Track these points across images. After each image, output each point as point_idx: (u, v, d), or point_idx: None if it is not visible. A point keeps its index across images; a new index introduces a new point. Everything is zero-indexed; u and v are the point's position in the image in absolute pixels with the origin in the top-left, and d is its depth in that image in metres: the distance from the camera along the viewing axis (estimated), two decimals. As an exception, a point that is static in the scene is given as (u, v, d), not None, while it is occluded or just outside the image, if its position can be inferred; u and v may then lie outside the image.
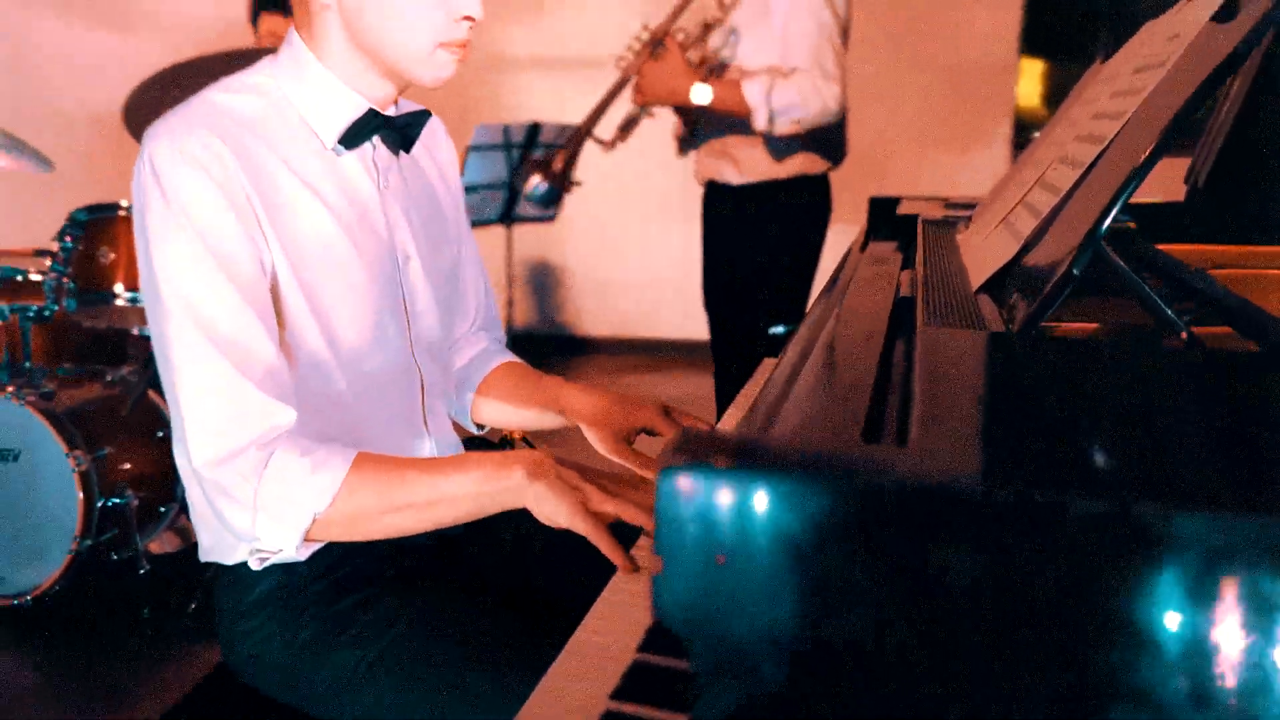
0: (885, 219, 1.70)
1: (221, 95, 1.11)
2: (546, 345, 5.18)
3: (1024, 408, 0.55)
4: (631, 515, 0.97)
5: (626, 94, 2.35)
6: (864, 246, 1.63)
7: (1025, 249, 0.89)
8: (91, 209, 2.40)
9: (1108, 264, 0.73)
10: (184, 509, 2.54)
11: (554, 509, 0.98)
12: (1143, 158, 0.67)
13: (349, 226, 1.14)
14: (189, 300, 1.03)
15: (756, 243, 2.35)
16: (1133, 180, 0.68)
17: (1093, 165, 0.86)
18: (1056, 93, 5.89)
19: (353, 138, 1.14)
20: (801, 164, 2.33)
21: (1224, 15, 0.78)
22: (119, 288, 2.36)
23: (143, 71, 4.88)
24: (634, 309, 5.13)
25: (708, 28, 2.34)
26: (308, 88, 1.13)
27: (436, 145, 1.33)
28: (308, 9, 1.12)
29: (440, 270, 1.27)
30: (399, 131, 1.18)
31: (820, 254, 2.43)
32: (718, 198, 2.43)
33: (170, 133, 1.05)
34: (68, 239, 2.40)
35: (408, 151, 1.22)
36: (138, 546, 2.40)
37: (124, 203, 2.38)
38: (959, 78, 4.75)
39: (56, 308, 2.42)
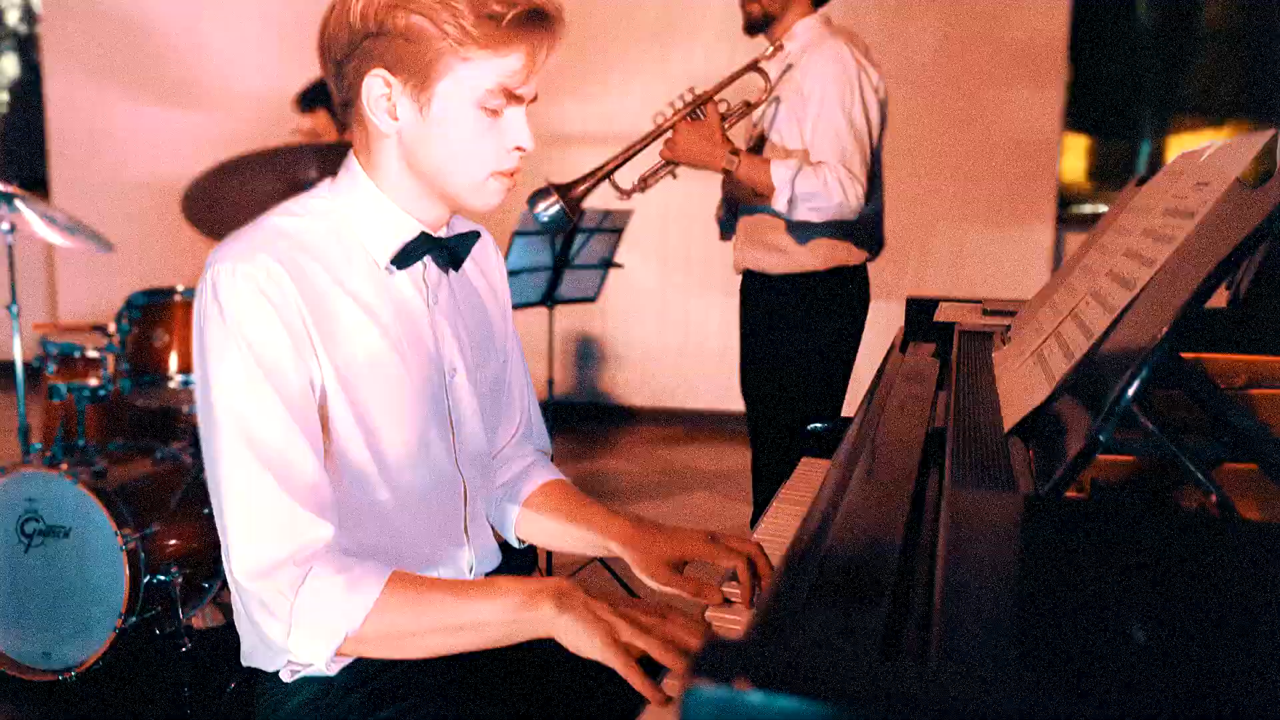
0: (923, 319, 1.71)
1: (283, 219, 1.17)
2: (586, 414, 5.21)
3: (1053, 602, 0.56)
4: (660, 653, 0.97)
5: (655, 148, 2.38)
6: (903, 346, 1.64)
7: (1057, 392, 0.90)
8: (149, 293, 2.48)
9: (1140, 425, 0.74)
10: (226, 584, 2.58)
11: (583, 642, 0.99)
12: (1160, 335, 0.68)
13: (398, 342, 1.18)
14: (239, 415, 1.08)
15: (794, 333, 2.36)
16: (1156, 353, 0.69)
17: (1125, 310, 0.87)
18: (1100, 169, 5.90)
19: (404, 259, 1.19)
20: (839, 255, 2.36)
21: (1254, 178, 0.79)
22: (172, 370, 2.43)
23: (203, 147, 5.05)
24: (673, 379, 5.15)
25: (749, 106, 2.38)
26: (364, 211, 1.18)
27: (485, 257, 1.38)
28: (368, 136, 1.17)
29: (486, 381, 1.31)
30: (449, 251, 1.23)
31: (858, 344, 2.44)
32: (755, 287, 2.46)
33: (233, 256, 1.11)
34: (125, 321, 2.48)
35: (456, 270, 1.26)
36: (180, 623, 2.43)
37: (180, 287, 2.45)
38: (1002, 154, 4.77)
39: (112, 387, 2.49)
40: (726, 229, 2.53)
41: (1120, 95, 5.74)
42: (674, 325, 5.11)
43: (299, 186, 2.44)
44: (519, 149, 1.16)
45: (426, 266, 1.23)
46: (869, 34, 2.47)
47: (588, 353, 5.28)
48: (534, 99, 1.17)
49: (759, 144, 2.41)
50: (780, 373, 2.39)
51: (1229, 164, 0.86)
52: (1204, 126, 5.89)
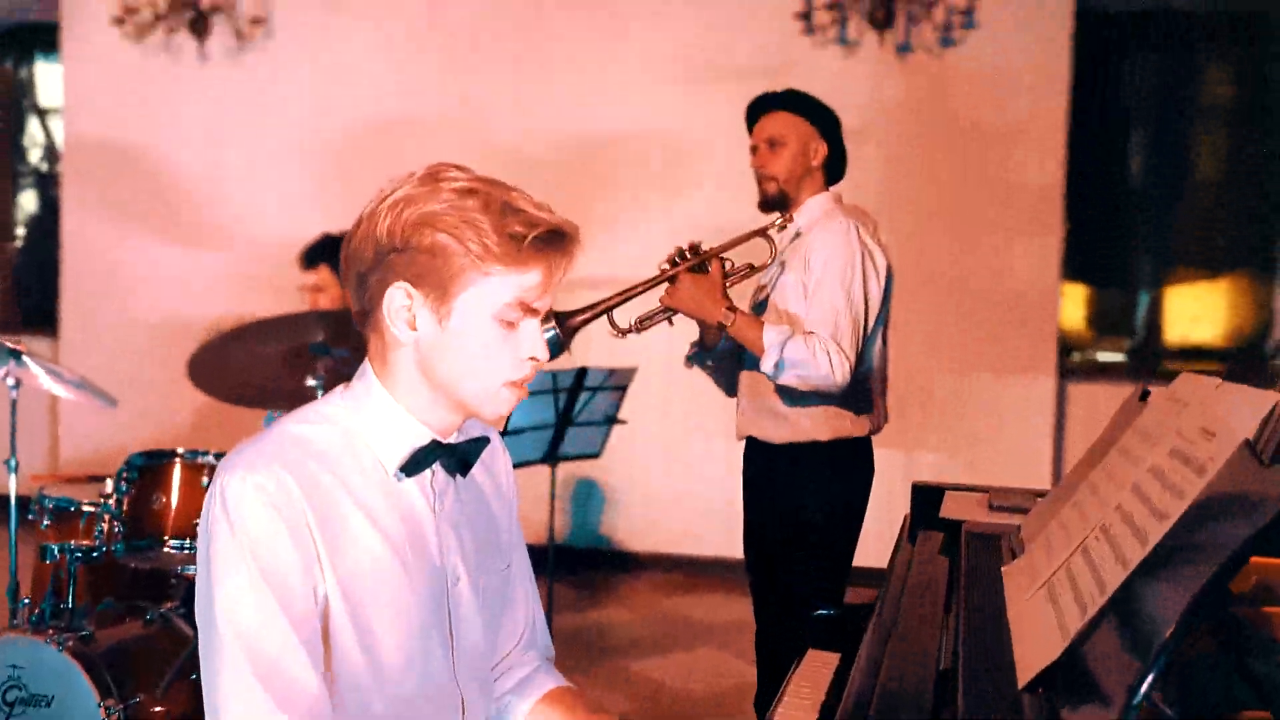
0: (930, 510, 1.68)
1: (296, 426, 1.19)
2: (587, 560, 5.13)
3: None
4: None
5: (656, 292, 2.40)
6: (912, 535, 1.62)
7: (1072, 646, 0.87)
8: (149, 455, 2.47)
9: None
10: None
11: None
12: (1172, 632, 0.66)
13: (401, 549, 1.18)
14: (241, 630, 1.09)
15: (796, 504, 2.35)
16: (1169, 646, 0.67)
17: (1141, 562, 0.85)
18: (1099, 318, 5.96)
19: (414, 466, 1.20)
20: (843, 426, 2.35)
21: (1260, 447, 0.78)
22: (167, 534, 2.39)
23: (217, 288, 5.11)
24: (676, 526, 5.09)
25: (752, 269, 2.42)
26: (376, 418, 1.20)
27: (494, 459, 1.38)
28: (385, 344, 1.19)
29: (490, 589, 1.30)
30: (458, 457, 1.23)
31: (863, 518, 2.41)
32: (757, 454, 2.45)
33: (244, 466, 1.13)
34: (123, 481, 2.46)
35: (464, 475, 1.26)
36: (161, 799, 2.34)
37: (180, 450, 2.44)
38: (1002, 304, 4.82)
39: (106, 549, 2.46)
40: (695, 360, 2.53)
41: (1117, 245, 5.84)
42: (676, 470, 5.07)
43: (305, 352, 2.46)
44: (533, 359, 1.18)
45: (435, 472, 1.23)
46: (867, 189, 2.52)
47: (589, 497, 5.24)
48: (549, 310, 1.20)
49: (761, 306, 2.44)
50: (784, 544, 2.36)
51: (1236, 420, 0.86)
52: (1201, 278, 5.97)
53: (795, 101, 2.43)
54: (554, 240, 1.15)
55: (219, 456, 2.39)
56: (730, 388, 2.55)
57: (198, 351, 2.46)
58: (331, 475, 1.15)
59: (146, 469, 2.44)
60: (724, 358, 2.48)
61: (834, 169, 2.45)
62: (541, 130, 4.94)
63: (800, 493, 2.34)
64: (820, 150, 2.41)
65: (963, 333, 4.82)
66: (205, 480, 2.38)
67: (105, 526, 2.45)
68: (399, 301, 1.15)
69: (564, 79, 4.93)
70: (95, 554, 2.48)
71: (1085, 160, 5.13)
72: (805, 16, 4.67)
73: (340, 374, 2.54)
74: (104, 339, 5.24)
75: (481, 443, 1.26)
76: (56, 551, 2.48)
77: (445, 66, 5.01)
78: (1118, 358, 6.00)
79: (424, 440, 1.20)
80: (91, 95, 5.26)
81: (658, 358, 4.28)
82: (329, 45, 5.06)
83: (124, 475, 2.46)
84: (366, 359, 1.23)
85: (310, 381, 2.48)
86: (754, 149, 2.46)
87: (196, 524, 2.38)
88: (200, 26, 4.90)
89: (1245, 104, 5.85)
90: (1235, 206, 5.90)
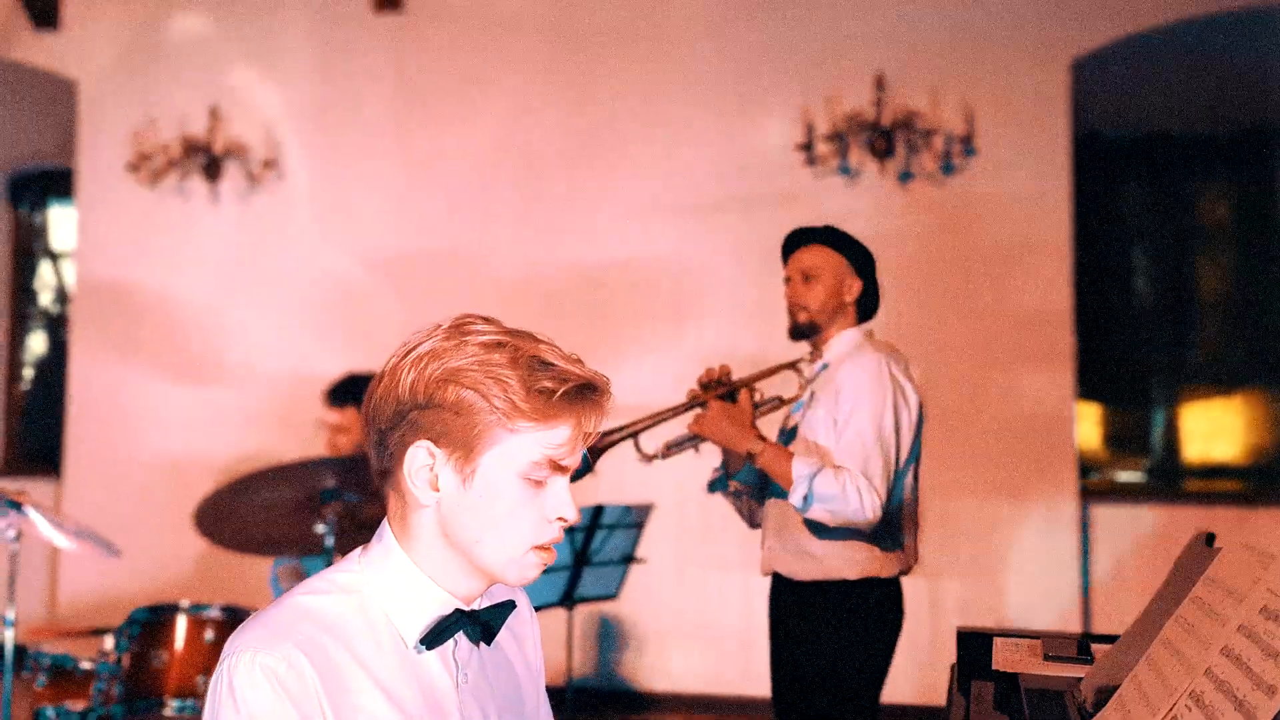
0: (978, 656, 1.59)
1: (308, 598, 1.11)
2: (605, 701, 4.94)
3: None
4: None
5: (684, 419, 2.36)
6: (963, 687, 1.52)
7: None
8: (152, 609, 2.37)
9: None
10: None
11: None
12: None
13: None
14: None
15: (822, 646, 2.25)
16: None
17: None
18: (1115, 437, 5.89)
19: (435, 638, 1.12)
20: (873, 566, 2.27)
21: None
22: (168, 696, 2.28)
23: (225, 426, 5.06)
24: (695, 663, 4.91)
25: (781, 402, 2.38)
26: (394, 585, 1.12)
27: (520, 625, 1.29)
28: (405, 506, 1.13)
29: None
30: (482, 625, 1.15)
31: (889, 662, 2.31)
32: (783, 591, 2.36)
33: (253, 644, 1.05)
34: (124, 638, 2.35)
35: (489, 644, 1.18)
36: None
37: (184, 603, 2.35)
38: (1017, 430, 4.76)
39: (104, 712, 2.34)
40: (717, 486, 2.47)
41: (1128, 365, 5.82)
42: (691, 606, 4.92)
43: (315, 498, 2.39)
44: (561, 520, 1.12)
45: (457, 642, 1.15)
46: (875, 318, 2.49)
47: (606, 634, 5.07)
48: (576, 468, 1.13)
49: (788, 438, 2.39)
50: (810, 685, 2.25)
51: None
52: (1214, 395, 5.93)
53: (831, 237, 2.42)
54: (584, 394, 1.10)
55: (225, 611, 2.30)
56: (753, 519, 2.48)
57: (204, 503, 2.39)
58: (347, 651, 1.07)
59: (149, 625, 2.35)
60: (748, 486, 2.41)
61: (867, 305, 2.43)
62: (547, 262, 4.97)
63: (826, 634, 2.25)
64: (854, 286, 2.40)
65: (980, 460, 4.74)
66: (210, 636, 2.29)
67: (104, 686, 2.34)
68: (420, 461, 1.09)
69: (569, 211, 4.99)
70: (93, 717, 2.36)
71: (1092, 282, 5.15)
72: (806, 148, 4.75)
73: (351, 518, 2.47)
74: (108, 481, 5.17)
75: (507, 608, 1.17)
76: (52, 715, 2.36)
77: (451, 203, 5.07)
78: (1136, 477, 5.90)
79: (447, 609, 1.12)
80: (104, 238, 5.33)
81: (668, 492, 4.21)
82: (338, 185, 5.14)
83: (125, 631, 2.36)
84: (385, 520, 1.16)
85: (320, 528, 2.40)
86: (787, 280, 2.44)
87: (199, 682, 2.29)
88: (213, 171, 4.98)
89: (1247, 223, 5.91)
90: (1244, 323, 5.91)
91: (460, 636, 1.14)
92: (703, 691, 4.88)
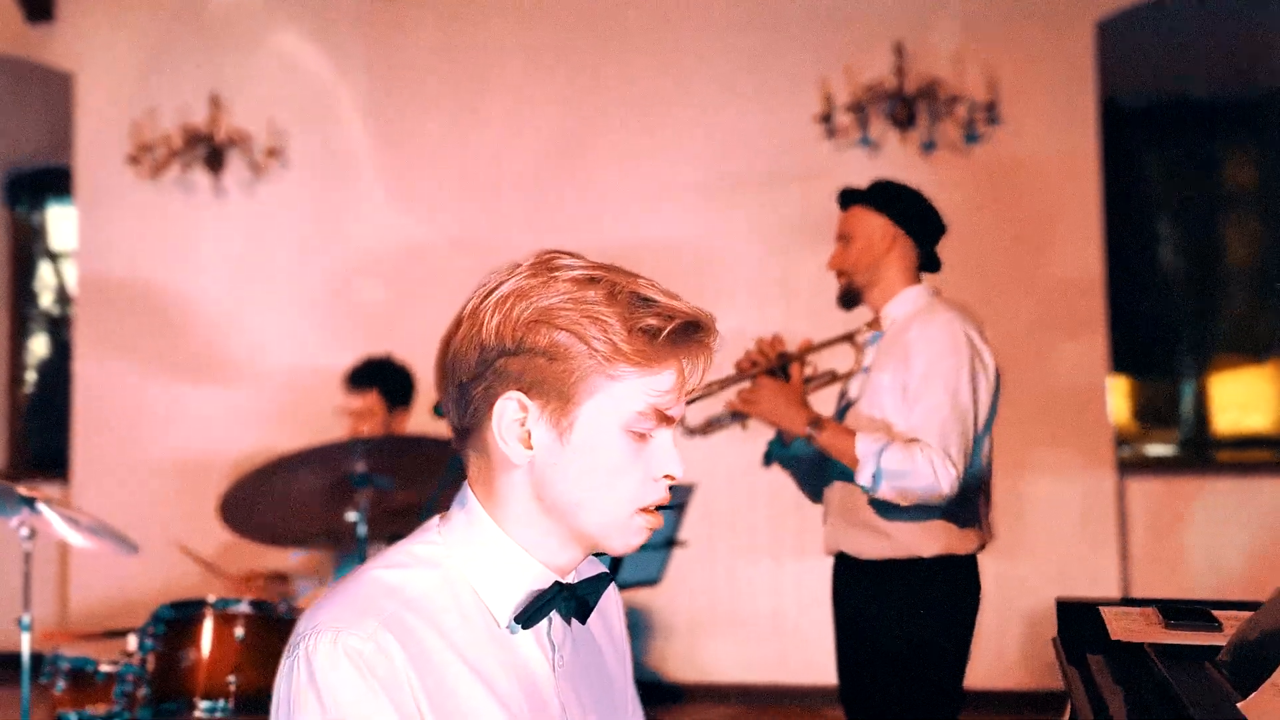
0: (1082, 627, 1.46)
1: (388, 572, 0.97)
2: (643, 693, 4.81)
3: None
4: None
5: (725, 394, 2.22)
6: (1074, 659, 1.38)
7: None
8: (177, 606, 2.24)
9: None
10: None
11: None
12: None
13: (520, 718, 0.96)
14: None
15: (898, 629, 2.09)
16: None
17: None
18: (1145, 410, 5.76)
19: (532, 615, 0.98)
20: (949, 542, 2.12)
21: None
22: (198, 697, 2.15)
23: (235, 424, 4.93)
24: (725, 652, 4.78)
25: (835, 377, 2.24)
26: (483, 558, 0.99)
27: (606, 603, 1.16)
28: (491, 467, 0.99)
29: None
30: (578, 600, 1.02)
31: (970, 644, 2.16)
32: (850, 573, 2.21)
33: (333, 624, 0.92)
34: (149, 638, 2.22)
35: (583, 622, 1.04)
36: None
37: (210, 598, 2.22)
38: (1052, 403, 4.62)
39: (129, 716, 2.21)
40: (774, 457, 2.32)
41: (1157, 336, 5.69)
42: (722, 593, 4.79)
43: (345, 483, 2.26)
44: (668, 477, 0.98)
45: (551, 621, 1.02)
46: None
47: (634, 624, 4.94)
48: (682, 419, 1.00)
49: (842, 413, 2.25)
50: (886, 672, 2.10)
51: None
52: (1244, 364, 5.80)
53: (870, 196, 2.28)
54: (691, 334, 0.97)
55: (255, 606, 2.17)
56: (815, 492, 2.33)
57: (230, 490, 2.26)
58: (434, 630, 0.94)
59: (175, 622, 2.22)
60: (805, 460, 2.27)
61: (925, 260, 2.29)
62: (564, 245, 4.82)
63: (902, 617, 2.09)
64: (898, 241, 2.24)
65: (1015, 435, 4.58)
66: (240, 633, 2.16)
67: (129, 689, 2.21)
68: (511, 414, 0.96)
69: (582, 196, 4.86)
70: (117, 721, 2.24)
71: (1119, 252, 5.01)
72: (826, 119, 4.62)
73: (382, 506, 2.34)
74: (116, 482, 5.03)
75: (603, 580, 1.04)
76: (74, 720, 2.24)
77: (463, 189, 4.94)
78: (1168, 450, 5.78)
79: (542, 583, 0.99)
80: (105, 235, 5.19)
81: (698, 462, 4.08)
82: (345, 172, 5.00)
83: (150, 630, 2.23)
84: (466, 485, 1.03)
85: (351, 516, 2.27)
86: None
87: (230, 682, 2.16)
88: (216, 161, 4.84)
89: (1273, 187, 5.78)
90: (1274, 291, 5.77)
91: (554, 615, 1.01)
92: (734, 680, 4.75)
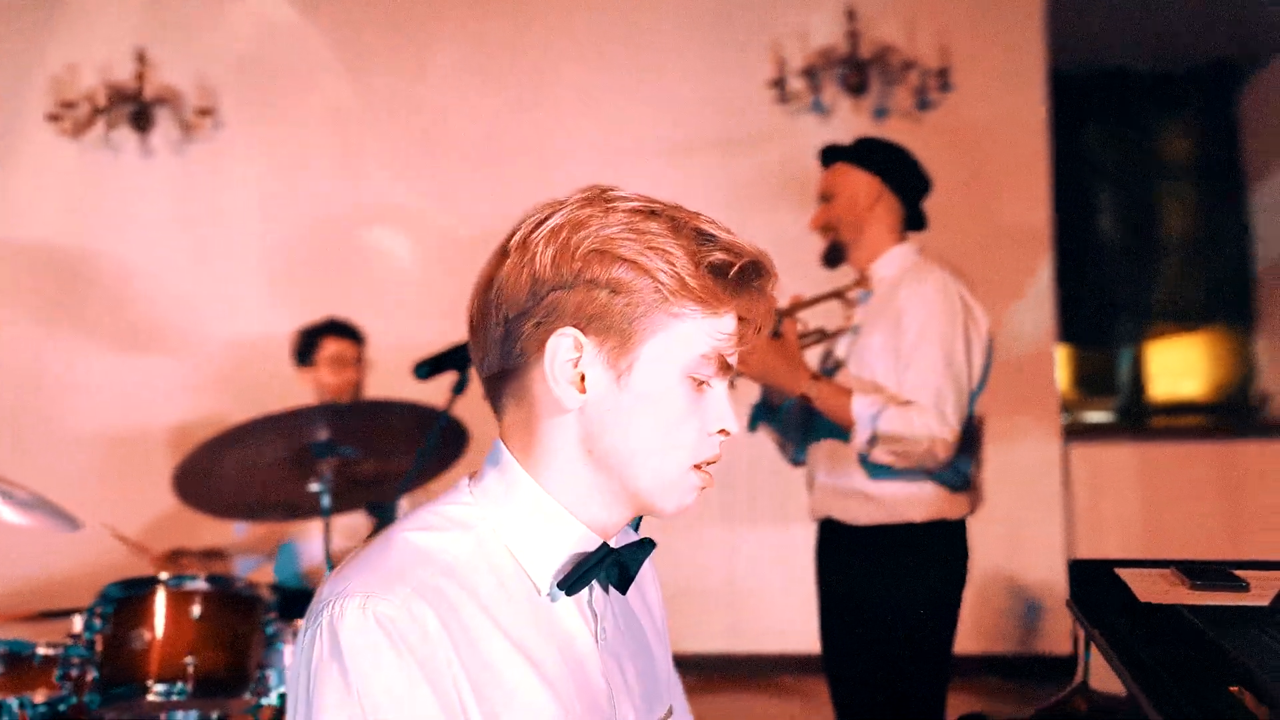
0: (1099, 589, 1.42)
1: (421, 535, 0.88)
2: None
3: None
4: None
5: None
6: (1095, 620, 1.34)
7: None
8: (126, 584, 2.10)
9: None
10: None
11: None
12: None
13: (566, 698, 0.88)
14: None
15: (890, 596, 2.04)
16: None
17: None
18: (1084, 378, 5.85)
19: (577, 581, 0.90)
20: (940, 506, 2.08)
21: None
22: (151, 680, 2.02)
23: (174, 394, 4.71)
24: (676, 623, 4.73)
25: (825, 335, 2.17)
26: (521, 518, 0.90)
27: (642, 574, 1.07)
28: (534, 414, 0.90)
29: None
30: (620, 569, 0.93)
31: (959, 612, 2.13)
32: (837, 539, 2.15)
33: (364, 588, 0.82)
34: (96, 618, 2.08)
35: (624, 592, 0.96)
36: None
37: (163, 575, 2.08)
38: (1000, 369, 4.64)
39: (75, 701, 2.07)
40: (760, 421, 2.25)
41: (1097, 304, 5.78)
42: (675, 563, 4.74)
43: (308, 452, 2.13)
44: (723, 432, 0.91)
45: (592, 589, 0.93)
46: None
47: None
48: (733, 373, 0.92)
49: (828, 374, 2.19)
50: (876, 640, 2.06)
51: None
52: (1178, 332, 5.92)
53: (851, 152, 2.22)
54: (755, 276, 0.89)
55: (212, 582, 2.04)
56: (799, 452, 2.28)
57: (184, 461, 2.12)
58: (471, 599, 0.85)
59: (125, 601, 2.07)
60: (792, 419, 2.21)
61: (911, 219, 2.23)
62: (511, 214, 4.68)
63: (893, 583, 2.04)
64: (881, 197, 2.19)
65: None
66: (196, 610, 2.02)
67: (76, 674, 2.07)
68: (565, 353, 0.87)
69: (533, 159, 4.72)
70: (63, 707, 2.09)
71: (1060, 221, 5.06)
72: (779, 84, 4.56)
73: (347, 475, 2.22)
74: (44, 459, 4.77)
75: (647, 546, 0.95)
76: (16, 708, 2.09)
77: (409, 150, 4.77)
78: (1105, 417, 5.89)
79: (589, 545, 0.91)
80: (24, 196, 4.90)
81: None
82: (282, 134, 4.79)
83: (97, 610, 2.09)
84: (498, 439, 0.93)
85: (314, 487, 2.15)
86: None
87: (187, 663, 2.03)
88: (143, 120, 4.60)
89: (1208, 160, 5.89)
90: (1208, 261, 5.90)
91: (593, 583, 0.93)
92: (688, 651, 4.71)
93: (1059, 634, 4.64)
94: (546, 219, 0.89)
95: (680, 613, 4.83)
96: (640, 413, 0.87)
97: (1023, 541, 4.59)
